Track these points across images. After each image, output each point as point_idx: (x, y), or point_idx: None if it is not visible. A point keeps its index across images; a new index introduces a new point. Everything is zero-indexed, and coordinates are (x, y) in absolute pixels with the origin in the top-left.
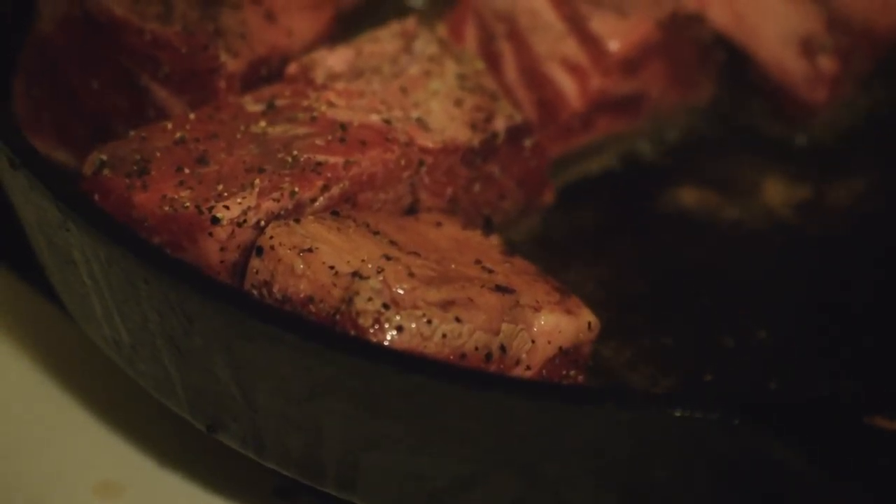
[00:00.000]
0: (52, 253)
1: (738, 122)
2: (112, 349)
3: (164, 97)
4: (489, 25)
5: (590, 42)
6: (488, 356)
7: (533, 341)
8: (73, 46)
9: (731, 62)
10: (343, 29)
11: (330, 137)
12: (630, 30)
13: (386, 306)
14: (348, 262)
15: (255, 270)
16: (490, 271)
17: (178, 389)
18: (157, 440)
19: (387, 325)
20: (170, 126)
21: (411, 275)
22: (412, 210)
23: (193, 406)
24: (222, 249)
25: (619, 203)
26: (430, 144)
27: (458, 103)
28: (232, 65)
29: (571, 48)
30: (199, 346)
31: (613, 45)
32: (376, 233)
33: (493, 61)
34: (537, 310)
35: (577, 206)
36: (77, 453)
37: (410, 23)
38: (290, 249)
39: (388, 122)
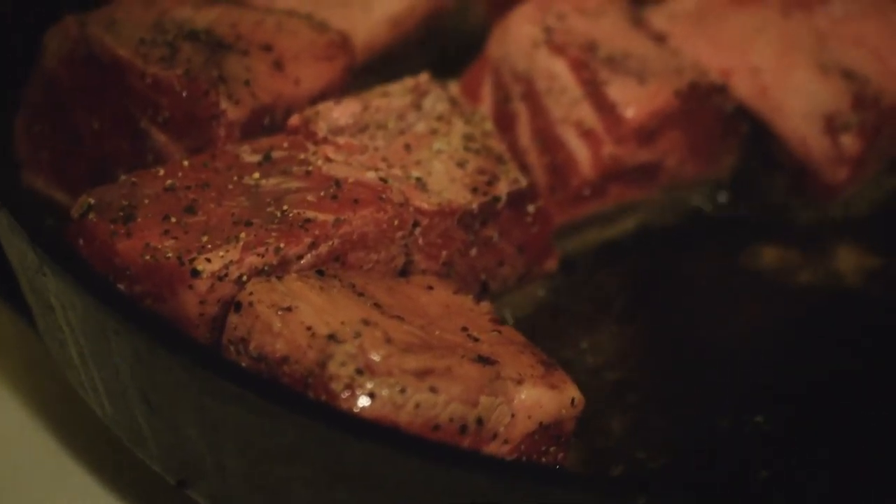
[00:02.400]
0: (33, 296)
1: (758, 195)
2: (89, 396)
3: (163, 142)
4: (506, 85)
5: (606, 108)
6: (463, 428)
7: (513, 415)
8: (75, 85)
9: (753, 135)
10: (358, 80)
11: (322, 193)
12: (648, 98)
13: (359, 372)
14: (327, 323)
15: (232, 326)
16: (475, 339)
17: (149, 442)
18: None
19: (359, 392)
20: (162, 172)
21: (389, 341)
22: (405, 271)
23: (164, 460)
24: (202, 302)
25: (631, 272)
26: (425, 206)
27: (462, 164)
28: (232, 112)
29: (587, 113)
30: (169, 402)
31: (629, 113)
32: (361, 294)
33: (507, 122)
34: (519, 383)
35: (587, 273)
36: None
37: (423, 79)
38: (268, 307)
39: (384, 180)
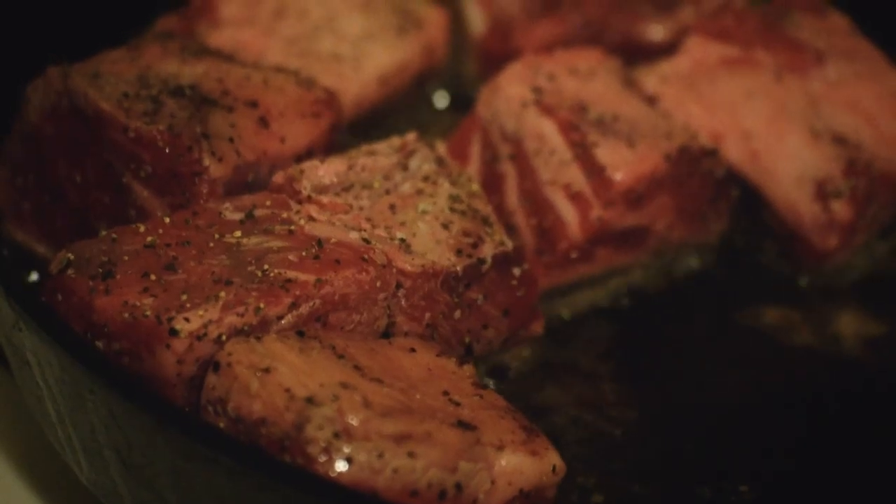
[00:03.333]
0: (10, 349)
1: (748, 260)
2: (66, 453)
3: (145, 197)
4: (494, 145)
5: (595, 171)
6: (442, 494)
7: (493, 482)
8: (58, 138)
9: (744, 199)
10: (346, 137)
11: (304, 253)
12: (637, 161)
13: (337, 436)
14: (305, 385)
15: (210, 386)
16: (456, 404)
17: (125, 502)
18: None
19: (336, 456)
20: (142, 229)
21: (368, 404)
22: (388, 333)
23: None
24: (179, 362)
25: (620, 334)
26: (408, 267)
27: (447, 226)
28: (215, 169)
29: (575, 175)
30: (144, 463)
31: (618, 176)
32: (341, 356)
33: (495, 183)
34: (500, 449)
35: (574, 336)
36: None
37: (410, 138)
38: (247, 368)
39: (367, 241)
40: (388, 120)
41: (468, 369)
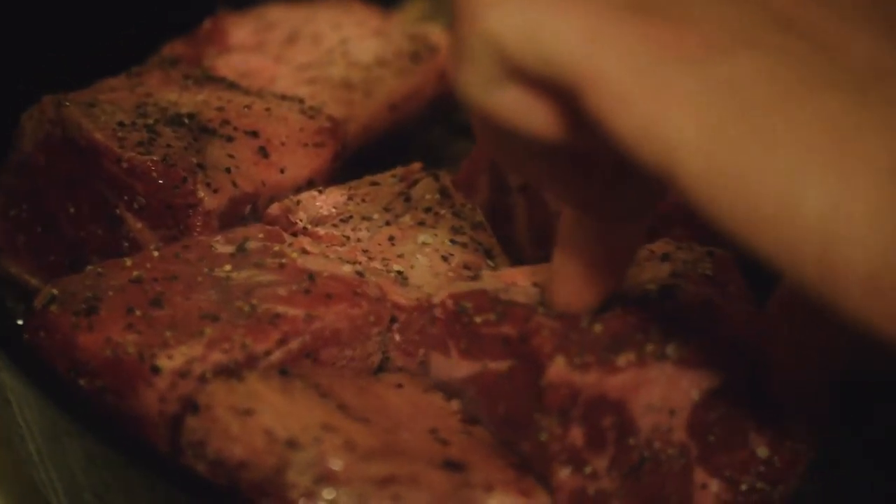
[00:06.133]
0: None
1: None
2: (49, 494)
3: (138, 229)
4: (505, 176)
5: None
6: None
7: None
8: (52, 169)
9: None
10: (353, 166)
11: (294, 287)
12: None
13: (318, 480)
14: (286, 427)
15: (190, 429)
16: (444, 442)
17: None
18: None
19: (317, 501)
20: (129, 263)
21: (351, 447)
22: (382, 368)
23: None
24: (162, 400)
25: None
26: (402, 301)
27: (447, 258)
28: (210, 201)
29: None
30: None
31: None
32: (325, 395)
33: (505, 215)
34: (489, 490)
35: None
36: None
37: (414, 168)
38: (227, 410)
39: (360, 274)
40: (400, 147)
41: (455, 404)
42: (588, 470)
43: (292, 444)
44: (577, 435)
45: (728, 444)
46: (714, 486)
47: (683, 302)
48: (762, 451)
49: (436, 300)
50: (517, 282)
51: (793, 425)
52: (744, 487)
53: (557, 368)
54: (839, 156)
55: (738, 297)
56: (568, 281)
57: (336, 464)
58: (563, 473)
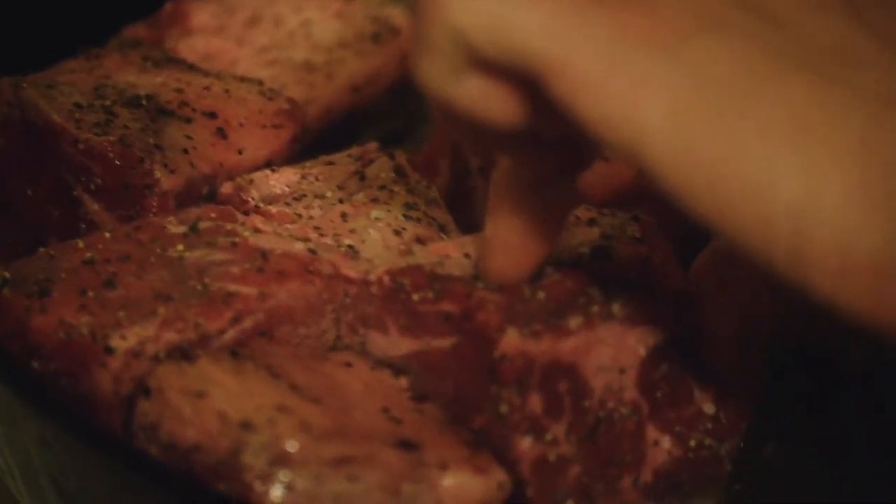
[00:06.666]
0: None
1: None
2: (7, 479)
3: (95, 211)
4: (465, 159)
5: None
6: None
7: (438, 502)
8: (10, 151)
9: None
10: (313, 148)
11: (247, 266)
12: (612, 174)
13: (274, 462)
14: (240, 409)
15: (142, 412)
16: (397, 421)
17: None
18: None
19: (273, 483)
20: (81, 244)
21: (305, 428)
22: (336, 346)
23: None
24: (116, 381)
25: None
26: (353, 274)
27: (399, 232)
28: (167, 182)
29: None
30: (79, 490)
31: (589, 190)
32: (277, 376)
33: (465, 197)
34: (443, 468)
35: None
36: None
37: (370, 148)
38: (179, 393)
39: (313, 251)
40: (361, 129)
41: (404, 381)
42: (548, 437)
43: (246, 426)
44: (535, 403)
45: (675, 400)
46: (666, 442)
47: (620, 262)
48: (708, 408)
49: (372, 277)
50: (450, 254)
51: (732, 384)
52: (693, 443)
53: (510, 340)
54: (807, 140)
55: (667, 259)
56: (501, 249)
57: (291, 445)
58: (524, 444)
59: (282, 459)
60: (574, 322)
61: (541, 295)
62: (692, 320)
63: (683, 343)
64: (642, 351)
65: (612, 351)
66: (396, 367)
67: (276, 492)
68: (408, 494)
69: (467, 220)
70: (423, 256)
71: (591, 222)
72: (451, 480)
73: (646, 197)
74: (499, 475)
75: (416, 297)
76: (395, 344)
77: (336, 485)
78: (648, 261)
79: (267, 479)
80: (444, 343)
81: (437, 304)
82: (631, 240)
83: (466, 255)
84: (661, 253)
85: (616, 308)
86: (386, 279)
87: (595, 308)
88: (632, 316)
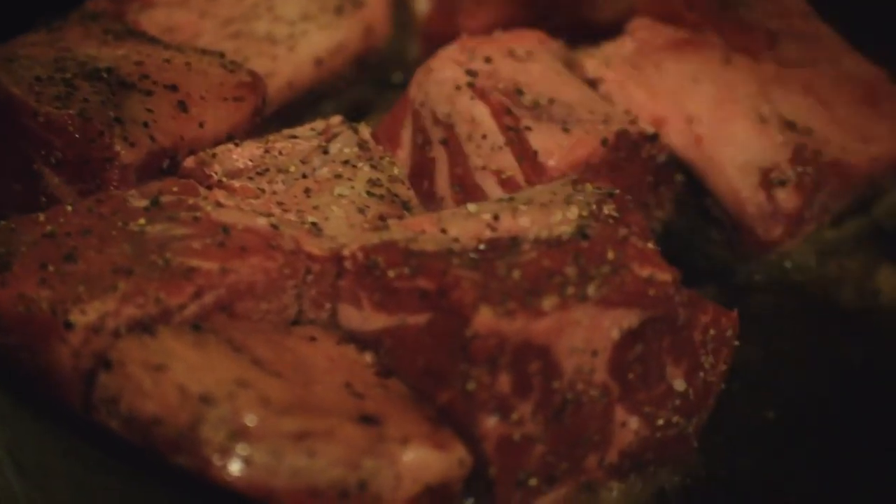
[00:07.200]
0: None
1: (691, 248)
2: None
3: (56, 184)
4: (426, 130)
5: (527, 156)
6: (344, 493)
7: (398, 478)
8: None
9: (689, 186)
10: (277, 122)
11: (209, 241)
12: (571, 146)
13: (233, 436)
14: (200, 382)
15: (102, 385)
16: (359, 396)
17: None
18: None
19: (231, 457)
20: (42, 218)
21: (265, 402)
22: (298, 321)
23: None
24: (75, 356)
25: None
26: (316, 251)
27: (362, 210)
28: (127, 155)
29: (507, 161)
30: (37, 464)
31: (550, 162)
32: (238, 350)
33: (426, 168)
34: (404, 443)
35: None
36: None
37: (334, 121)
38: (139, 366)
39: (275, 226)
40: (326, 103)
41: (369, 356)
42: (514, 416)
43: (206, 399)
44: (504, 382)
45: (647, 380)
46: (633, 423)
47: (598, 242)
48: (679, 385)
49: (346, 252)
50: (425, 229)
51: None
52: (660, 422)
53: (483, 318)
54: None
55: (643, 236)
56: None
57: (250, 419)
58: (490, 422)
59: (240, 433)
60: (548, 302)
61: (516, 274)
62: (668, 300)
63: (658, 322)
64: (615, 334)
65: (585, 333)
66: (362, 343)
67: (234, 466)
68: (368, 469)
69: (429, 191)
70: (398, 231)
71: (568, 199)
72: (412, 455)
73: (608, 168)
74: (460, 452)
75: (391, 273)
76: (369, 319)
77: (295, 459)
78: (627, 241)
79: (225, 452)
80: (419, 319)
81: (413, 280)
82: (608, 218)
83: (443, 231)
84: (638, 231)
85: (591, 289)
86: (360, 255)
87: (570, 289)
88: (607, 298)
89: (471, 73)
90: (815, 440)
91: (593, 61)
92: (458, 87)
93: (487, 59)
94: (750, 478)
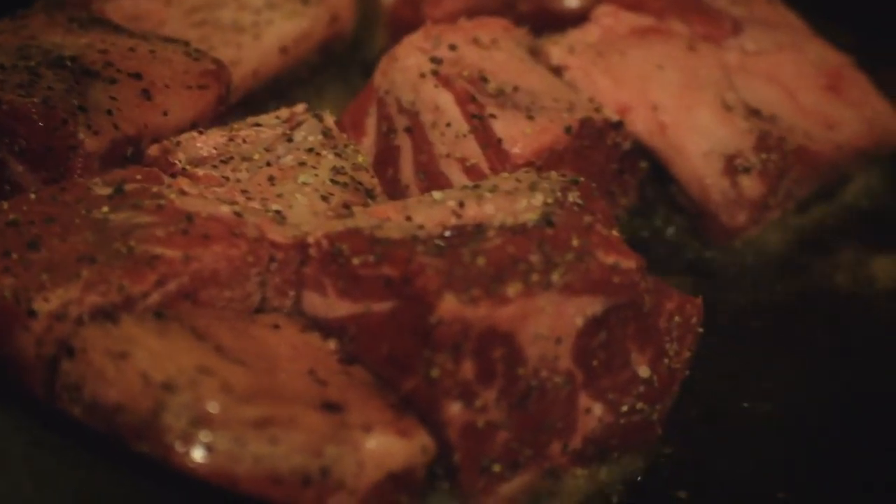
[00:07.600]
0: None
1: (655, 235)
2: None
3: (19, 172)
4: (391, 118)
5: (491, 144)
6: (306, 480)
7: (360, 465)
8: None
9: (654, 173)
10: (242, 110)
11: (172, 228)
12: (535, 134)
13: (194, 423)
14: (162, 369)
15: (65, 372)
16: (322, 383)
17: None
18: None
19: (193, 444)
20: (5, 206)
21: (227, 389)
22: (262, 308)
23: None
24: (38, 343)
25: None
26: (280, 239)
27: (326, 198)
28: (90, 144)
29: (472, 149)
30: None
31: (515, 149)
32: (202, 337)
33: (391, 156)
34: (367, 430)
35: None
36: None
37: (298, 109)
38: (102, 353)
39: (239, 214)
40: (291, 91)
41: (333, 343)
42: (478, 403)
43: (168, 386)
44: (468, 369)
45: (611, 367)
46: (597, 409)
47: (562, 229)
48: (643, 371)
49: (310, 239)
50: (390, 216)
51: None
52: (624, 409)
53: (448, 305)
54: None
55: (607, 223)
56: None
57: (212, 406)
58: (454, 409)
59: (202, 420)
60: (513, 289)
61: (480, 261)
62: (633, 287)
63: (623, 310)
64: (580, 321)
65: (549, 320)
66: (326, 330)
67: (197, 452)
68: (330, 456)
69: (394, 178)
70: (363, 219)
71: (533, 186)
72: (375, 442)
73: (572, 156)
74: (423, 439)
75: (356, 260)
76: (333, 306)
77: (257, 446)
78: (591, 228)
79: (187, 439)
80: (383, 306)
81: (378, 267)
82: (573, 206)
83: (408, 218)
84: (602, 219)
85: (556, 277)
86: (324, 242)
87: (535, 276)
88: (571, 285)
89: (435, 60)
90: (782, 426)
91: (558, 49)
92: (422, 75)
93: (452, 47)
94: (715, 464)
